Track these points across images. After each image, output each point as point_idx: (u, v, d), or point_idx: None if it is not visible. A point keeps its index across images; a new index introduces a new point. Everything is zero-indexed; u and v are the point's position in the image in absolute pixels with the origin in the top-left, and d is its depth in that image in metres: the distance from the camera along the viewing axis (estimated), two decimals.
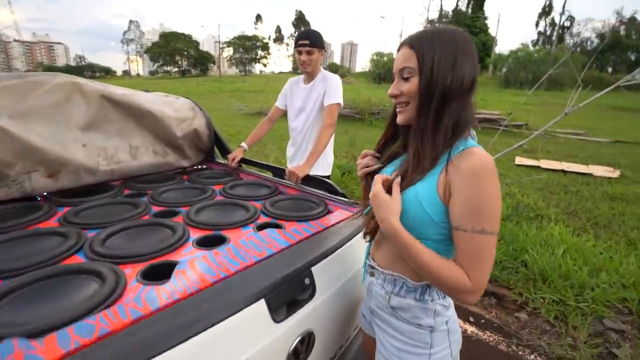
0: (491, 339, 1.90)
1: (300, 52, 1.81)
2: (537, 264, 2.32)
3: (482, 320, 2.03)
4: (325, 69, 1.94)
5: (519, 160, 5.58)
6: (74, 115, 1.29)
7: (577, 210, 3.60)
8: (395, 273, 0.79)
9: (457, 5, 42.52)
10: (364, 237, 0.88)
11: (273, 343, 0.72)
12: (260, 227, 1.08)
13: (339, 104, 1.82)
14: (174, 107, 1.73)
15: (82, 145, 1.31)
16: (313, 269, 0.87)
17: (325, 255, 0.93)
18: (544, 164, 5.39)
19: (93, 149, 1.36)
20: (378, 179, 0.75)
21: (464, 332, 1.92)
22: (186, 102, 1.87)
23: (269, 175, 1.79)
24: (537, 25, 48.71)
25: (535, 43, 45.59)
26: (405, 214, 0.71)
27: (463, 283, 0.64)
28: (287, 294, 0.78)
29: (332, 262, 0.95)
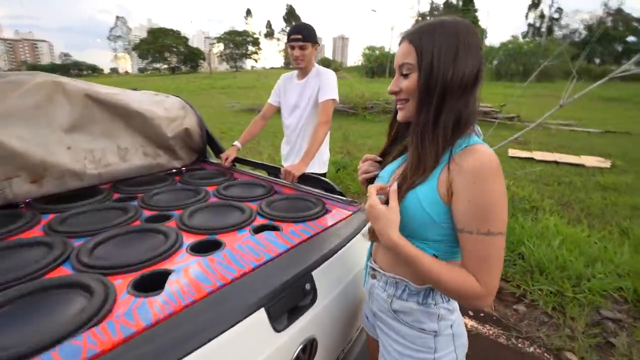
0: (491, 332, 1.90)
1: (292, 47, 1.76)
2: (534, 256, 2.33)
3: (481, 314, 2.03)
4: (317, 64, 1.90)
5: (512, 152, 5.61)
6: (57, 116, 1.23)
7: (571, 201, 3.63)
8: (397, 276, 0.76)
9: None
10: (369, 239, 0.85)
11: (274, 354, 0.69)
12: (257, 230, 1.04)
13: (334, 99, 1.78)
14: (163, 106, 1.67)
15: (66, 148, 1.25)
16: (313, 273, 0.84)
17: (325, 258, 0.90)
18: (537, 155, 5.43)
19: (79, 152, 1.30)
20: (372, 189, 0.72)
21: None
22: (176, 100, 1.81)
23: (263, 174, 1.75)
24: (526, 17, 49.05)
25: (525, 35, 45.90)
26: (405, 215, 0.68)
27: (474, 289, 0.61)
28: (288, 301, 0.75)
29: (333, 265, 0.92)
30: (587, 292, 2.06)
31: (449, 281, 0.62)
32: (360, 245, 1.07)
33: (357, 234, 1.06)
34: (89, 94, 1.33)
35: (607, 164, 5.04)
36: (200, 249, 0.91)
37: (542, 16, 46.54)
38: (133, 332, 0.56)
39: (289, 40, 1.76)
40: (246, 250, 0.87)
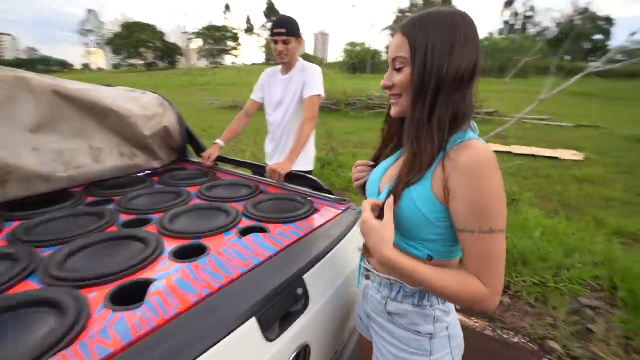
0: (477, 324, 1.92)
1: (276, 42, 1.70)
2: (517, 249, 2.38)
3: None
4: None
5: (492, 146, 5.72)
6: (21, 114, 1.13)
7: (549, 194, 3.75)
8: (391, 277, 0.74)
9: None
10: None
11: None
12: (244, 232, 0.99)
13: (319, 95, 1.74)
14: (140, 104, 1.58)
15: (32, 149, 1.15)
16: (305, 276, 0.81)
17: (316, 260, 0.86)
18: (516, 149, 5.59)
19: (47, 153, 1.20)
20: (366, 204, 0.69)
21: None
22: (154, 97, 1.72)
23: (248, 173, 1.69)
24: (502, 14, 50.46)
25: (501, 32, 47.23)
26: (399, 215, 0.66)
27: (479, 292, 0.59)
28: (280, 307, 0.71)
29: (325, 267, 0.88)
30: (568, 282, 2.13)
31: (452, 288, 0.60)
32: (352, 246, 1.04)
33: (347, 234, 1.04)
34: (57, 90, 1.23)
35: (581, 157, 5.25)
36: (183, 255, 0.85)
37: (516, 14, 48.02)
38: (110, 353, 0.51)
39: (273, 34, 1.71)
40: (233, 254, 0.82)
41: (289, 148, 1.74)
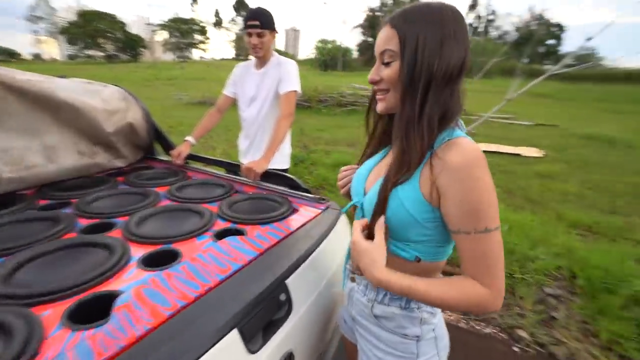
0: (452, 318, 1.98)
1: (250, 35, 1.63)
2: None
3: None
4: None
5: None
6: None
7: (514, 189, 3.95)
8: None
9: None
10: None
11: None
12: (219, 235, 0.93)
13: (296, 91, 1.69)
14: (100, 97, 1.45)
15: None
16: (287, 281, 0.77)
17: (298, 263, 0.82)
18: (482, 146, 5.79)
19: None
20: (357, 225, 0.67)
21: None
22: (116, 90, 1.58)
23: (221, 172, 1.61)
24: (467, 16, 52.71)
25: None
26: (387, 216, 0.64)
27: (481, 296, 0.57)
28: (263, 316, 0.67)
29: (307, 270, 0.85)
30: (533, 273, 2.25)
31: (452, 299, 0.58)
32: (333, 246, 1.01)
33: (328, 234, 1.01)
34: (2, 80, 1.09)
35: (541, 153, 5.59)
36: (153, 262, 0.78)
37: (479, 17, 50.36)
38: None
39: (246, 26, 1.63)
40: (209, 260, 0.77)
41: (264, 145, 1.68)
